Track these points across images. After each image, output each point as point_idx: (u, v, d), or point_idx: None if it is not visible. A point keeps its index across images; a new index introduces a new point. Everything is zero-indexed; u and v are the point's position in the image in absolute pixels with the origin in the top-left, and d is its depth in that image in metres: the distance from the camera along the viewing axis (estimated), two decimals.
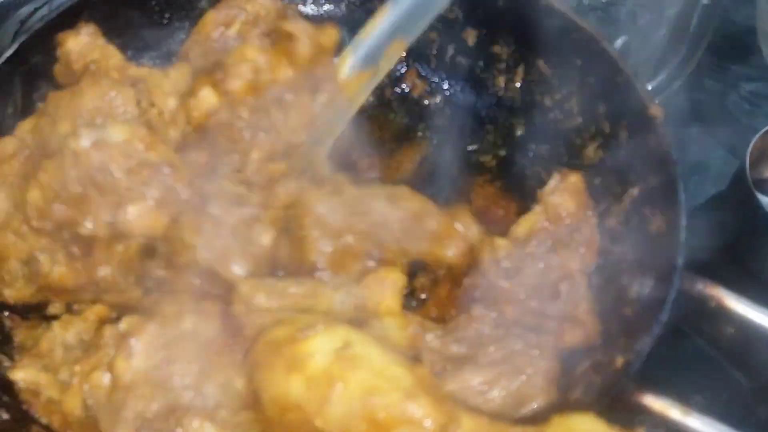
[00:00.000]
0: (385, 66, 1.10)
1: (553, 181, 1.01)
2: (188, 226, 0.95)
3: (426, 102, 1.31)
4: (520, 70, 1.24)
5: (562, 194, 0.99)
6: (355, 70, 1.08)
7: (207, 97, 1.06)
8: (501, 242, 0.97)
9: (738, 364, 1.13)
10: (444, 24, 1.30)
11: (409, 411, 0.74)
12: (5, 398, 0.93)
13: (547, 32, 1.18)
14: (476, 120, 1.27)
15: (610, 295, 0.98)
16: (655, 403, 0.78)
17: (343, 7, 1.36)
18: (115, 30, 1.17)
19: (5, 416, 0.90)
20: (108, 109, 1.03)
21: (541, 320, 0.94)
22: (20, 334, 1.00)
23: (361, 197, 1.01)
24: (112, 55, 1.11)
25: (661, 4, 1.59)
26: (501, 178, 1.22)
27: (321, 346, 0.78)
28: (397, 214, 0.99)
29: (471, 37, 1.28)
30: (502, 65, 1.26)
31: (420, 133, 1.28)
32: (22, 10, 1.53)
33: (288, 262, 0.99)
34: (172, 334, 0.90)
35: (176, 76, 1.10)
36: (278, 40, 1.13)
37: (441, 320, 1.01)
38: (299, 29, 1.09)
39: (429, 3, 1.05)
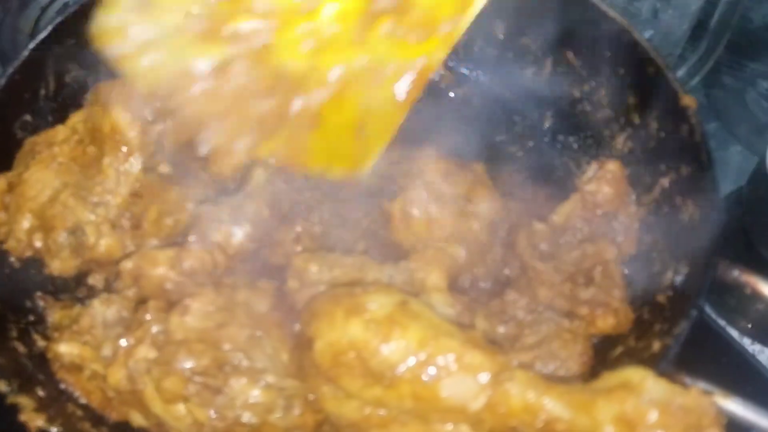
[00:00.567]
0: None
1: (591, 170, 1.02)
2: None
3: (453, 93, 1.32)
4: (549, 62, 1.24)
5: (600, 182, 1.00)
6: None
7: None
8: (539, 226, 0.98)
9: None
10: None
11: (465, 358, 0.76)
12: (41, 376, 0.94)
13: (576, 23, 1.19)
14: (504, 111, 1.28)
15: (642, 282, 0.98)
16: (695, 387, 0.78)
17: None
18: None
19: (41, 393, 0.90)
20: (161, 96, 1.04)
21: (574, 306, 0.94)
22: (55, 314, 1.01)
23: None
24: None
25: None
26: (529, 168, 1.22)
27: (381, 299, 0.81)
28: None
29: (499, 28, 1.29)
30: (531, 57, 1.26)
31: (447, 124, 1.29)
32: None
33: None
34: (226, 301, 0.92)
35: None
36: None
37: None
38: None
39: None
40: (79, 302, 1.02)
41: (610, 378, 0.76)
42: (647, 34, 1.50)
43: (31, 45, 1.11)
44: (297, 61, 0.90)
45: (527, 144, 1.25)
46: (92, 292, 1.04)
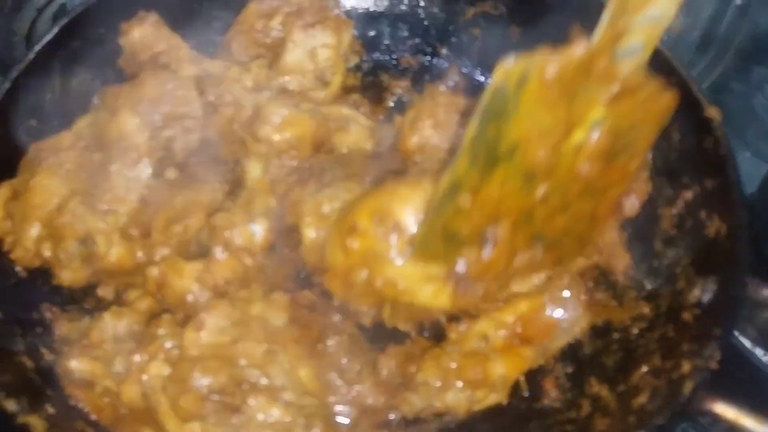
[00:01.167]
0: None
1: None
2: None
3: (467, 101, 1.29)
4: None
5: None
6: None
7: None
8: None
9: None
10: (487, 20, 1.28)
11: None
12: (49, 391, 0.91)
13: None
14: None
15: (666, 299, 0.96)
16: (728, 411, 0.77)
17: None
18: None
19: (51, 410, 0.87)
20: (169, 101, 1.02)
21: None
22: (62, 327, 0.98)
23: None
24: (180, 46, 1.10)
25: (697, 5, 1.59)
26: None
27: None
28: None
29: (515, 34, 1.26)
30: None
31: None
32: None
33: None
34: (241, 315, 0.90)
35: (257, 71, 1.09)
36: None
37: None
38: None
39: None
40: (88, 314, 0.99)
41: None
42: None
43: (37, 47, 1.08)
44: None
45: None
46: (101, 304, 1.01)
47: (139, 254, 0.99)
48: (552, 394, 0.98)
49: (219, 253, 0.95)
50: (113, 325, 0.92)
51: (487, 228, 0.83)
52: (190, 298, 0.94)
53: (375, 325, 0.98)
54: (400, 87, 1.29)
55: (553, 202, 0.85)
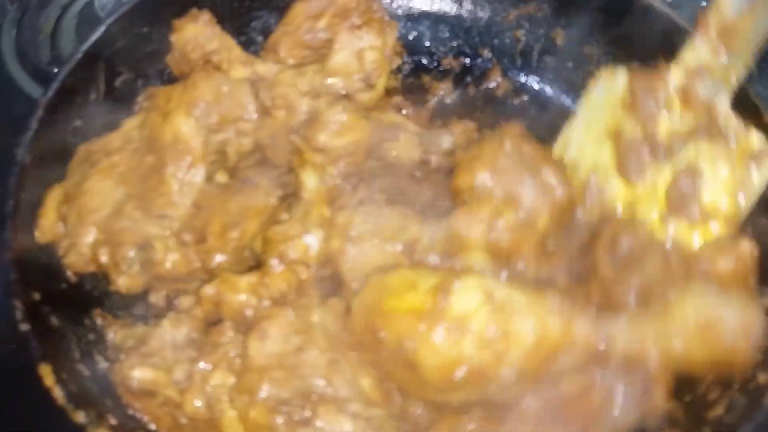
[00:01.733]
0: None
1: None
2: None
3: (511, 101, 1.28)
4: None
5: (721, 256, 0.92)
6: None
7: None
8: None
9: None
10: (531, 22, 1.27)
11: None
12: (108, 401, 0.89)
13: (645, 34, 1.16)
14: (565, 122, 1.24)
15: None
16: None
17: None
18: None
19: (113, 421, 0.85)
20: (224, 104, 1.00)
21: None
22: (115, 333, 0.96)
23: None
24: (232, 47, 1.08)
25: None
26: None
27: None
28: None
29: (559, 36, 1.26)
30: (593, 67, 1.23)
31: None
32: None
33: None
34: (302, 324, 0.89)
35: (312, 76, 1.06)
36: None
37: None
38: None
39: None
40: (140, 320, 0.97)
41: None
42: None
43: (85, 46, 1.06)
44: None
45: None
46: (152, 311, 0.99)
47: (194, 260, 0.96)
48: None
49: (275, 265, 0.92)
50: (172, 332, 0.90)
51: None
52: (248, 312, 0.92)
53: None
54: (441, 88, 1.28)
55: None
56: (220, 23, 1.20)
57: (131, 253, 0.94)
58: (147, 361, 0.88)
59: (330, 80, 1.14)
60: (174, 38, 1.08)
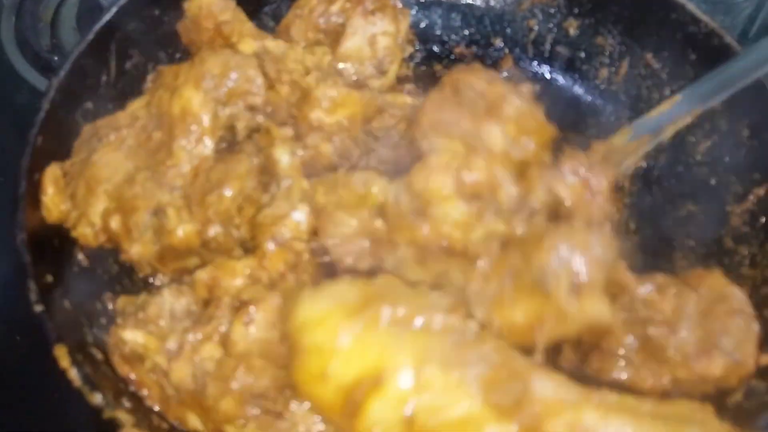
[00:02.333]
0: (669, 132, 1.00)
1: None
2: None
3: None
4: (626, 63, 1.21)
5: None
6: (636, 138, 0.99)
7: None
8: None
9: None
10: (543, 12, 1.27)
11: None
12: (122, 385, 0.87)
13: (658, 24, 1.16)
14: (578, 112, 1.24)
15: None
16: None
17: None
18: None
19: (128, 404, 0.84)
20: (232, 78, 0.99)
21: None
22: (118, 301, 0.94)
23: None
24: (244, 21, 1.07)
25: (737, 6, 1.59)
26: None
27: None
28: None
29: (572, 26, 1.25)
30: (606, 58, 1.23)
31: None
32: None
33: None
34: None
35: (321, 55, 1.06)
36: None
37: None
38: None
39: (728, 82, 0.95)
40: (145, 287, 0.97)
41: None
42: None
43: (97, 26, 1.04)
44: None
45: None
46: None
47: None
48: None
49: (271, 248, 0.91)
50: (171, 301, 0.89)
51: None
52: (245, 296, 0.90)
53: None
54: None
55: None
56: None
57: (145, 219, 0.92)
58: (142, 326, 0.87)
59: (342, 65, 1.13)
60: (187, 5, 1.07)
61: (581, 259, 0.79)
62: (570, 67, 1.27)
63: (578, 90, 1.26)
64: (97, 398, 0.79)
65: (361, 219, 0.93)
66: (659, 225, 1.12)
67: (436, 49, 1.31)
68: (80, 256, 0.97)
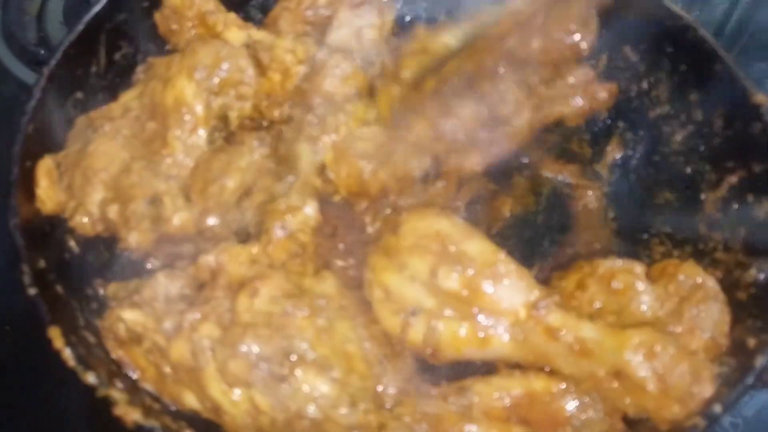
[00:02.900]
0: None
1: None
2: None
3: None
4: (605, 57, 1.24)
5: None
6: None
7: None
8: None
9: None
10: None
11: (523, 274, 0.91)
12: (114, 367, 0.89)
13: (635, 18, 1.18)
14: None
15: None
16: None
17: None
18: None
19: (120, 385, 0.86)
20: (224, 67, 1.01)
21: None
22: (109, 288, 0.97)
23: None
24: (228, 12, 1.09)
25: (710, 2, 1.63)
26: (580, 161, 1.23)
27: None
28: None
29: None
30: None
31: None
32: None
33: None
34: (293, 289, 0.90)
35: (309, 45, 1.08)
36: None
37: None
38: None
39: None
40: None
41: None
42: None
43: (87, 17, 1.06)
44: None
45: (583, 138, 1.25)
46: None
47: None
48: None
49: (278, 232, 0.94)
50: (166, 284, 0.91)
51: None
52: (249, 274, 0.93)
53: None
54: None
55: None
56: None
57: (142, 207, 0.94)
58: (137, 308, 0.89)
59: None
60: None
61: None
62: None
63: None
64: (90, 377, 0.80)
65: None
66: (637, 213, 1.15)
67: None
68: (71, 243, 0.99)
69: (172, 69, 1.02)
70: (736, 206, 1.04)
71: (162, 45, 1.17)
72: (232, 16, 1.11)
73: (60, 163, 1.01)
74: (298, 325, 0.88)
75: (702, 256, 1.05)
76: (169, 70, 1.03)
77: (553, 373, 0.89)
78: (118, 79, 1.12)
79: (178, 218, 0.95)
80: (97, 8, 1.07)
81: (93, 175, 0.96)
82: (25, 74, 1.43)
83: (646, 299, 0.91)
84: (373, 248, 0.95)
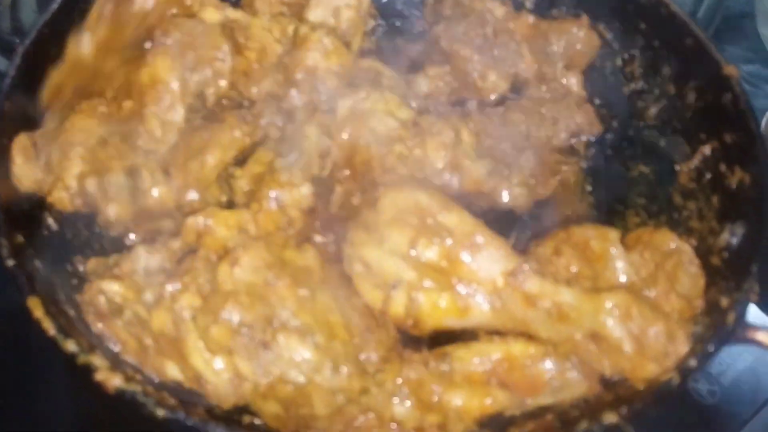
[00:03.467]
0: None
1: None
2: None
3: None
4: None
5: None
6: None
7: None
8: None
9: None
10: None
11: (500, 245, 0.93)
12: (95, 341, 0.89)
13: None
14: None
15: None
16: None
17: None
18: None
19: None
20: (199, 45, 1.01)
21: None
22: (88, 264, 0.97)
23: None
24: None
25: None
26: None
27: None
28: None
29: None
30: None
31: None
32: None
33: None
34: (275, 260, 0.90)
35: (286, 24, 1.09)
36: None
37: None
38: None
39: None
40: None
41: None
42: None
43: None
44: None
45: None
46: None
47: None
48: None
49: (271, 200, 0.94)
50: (146, 257, 0.91)
51: None
52: (230, 244, 0.94)
53: None
54: (415, 50, 1.31)
55: None
56: None
57: (120, 179, 0.95)
58: (118, 279, 0.90)
59: None
60: None
61: None
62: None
63: None
64: (71, 345, 0.80)
65: None
66: (613, 185, 1.17)
67: (398, 23, 1.35)
68: (50, 221, 0.99)
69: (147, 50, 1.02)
70: (709, 176, 1.07)
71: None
72: None
73: (36, 142, 1.01)
74: (280, 294, 0.88)
75: (677, 225, 1.07)
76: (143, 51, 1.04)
77: (532, 338, 0.90)
78: None
79: (157, 191, 0.95)
80: None
81: (70, 149, 0.96)
82: (0, 62, 1.42)
83: (621, 264, 0.93)
84: (353, 223, 0.96)
